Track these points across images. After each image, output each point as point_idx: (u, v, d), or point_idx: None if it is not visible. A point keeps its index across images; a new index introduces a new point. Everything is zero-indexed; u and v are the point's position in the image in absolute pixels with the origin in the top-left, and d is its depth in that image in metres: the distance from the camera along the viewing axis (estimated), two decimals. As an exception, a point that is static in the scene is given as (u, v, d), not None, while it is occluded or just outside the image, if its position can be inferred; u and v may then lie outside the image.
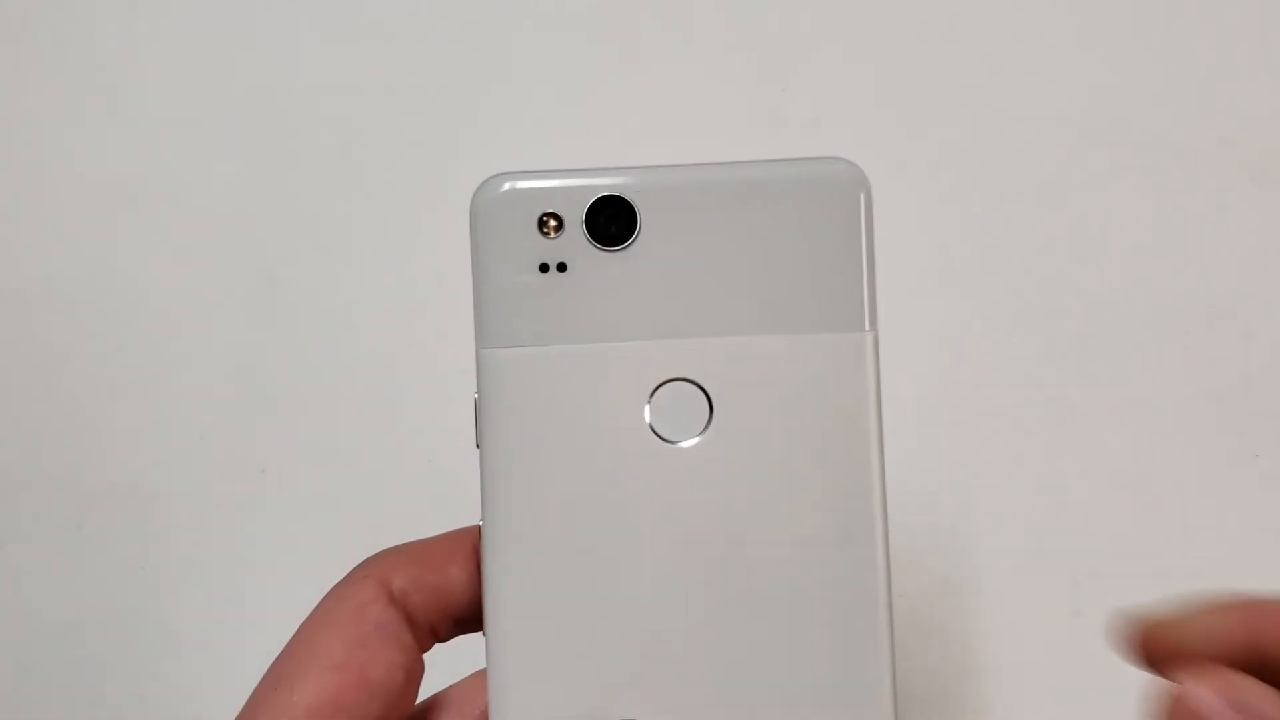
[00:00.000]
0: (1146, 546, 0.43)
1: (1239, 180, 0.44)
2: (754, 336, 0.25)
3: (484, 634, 0.25)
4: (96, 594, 0.46)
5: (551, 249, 0.25)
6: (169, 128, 0.47)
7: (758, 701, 0.25)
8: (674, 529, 0.25)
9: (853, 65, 0.46)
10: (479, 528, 0.25)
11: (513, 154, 0.46)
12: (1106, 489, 0.43)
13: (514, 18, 0.47)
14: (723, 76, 0.46)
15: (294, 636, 0.25)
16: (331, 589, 0.26)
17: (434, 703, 0.27)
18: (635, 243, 0.25)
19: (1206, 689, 0.22)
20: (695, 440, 0.25)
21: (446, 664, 0.27)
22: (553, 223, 0.25)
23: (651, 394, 0.25)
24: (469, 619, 0.26)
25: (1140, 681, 0.24)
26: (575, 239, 0.25)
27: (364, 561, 0.26)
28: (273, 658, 0.26)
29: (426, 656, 0.26)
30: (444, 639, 0.27)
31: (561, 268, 0.25)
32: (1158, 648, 0.24)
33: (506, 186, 0.25)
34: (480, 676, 0.26)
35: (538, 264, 0.25)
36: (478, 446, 0.25)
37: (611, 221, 0.25)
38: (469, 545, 0.26)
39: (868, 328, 0.25)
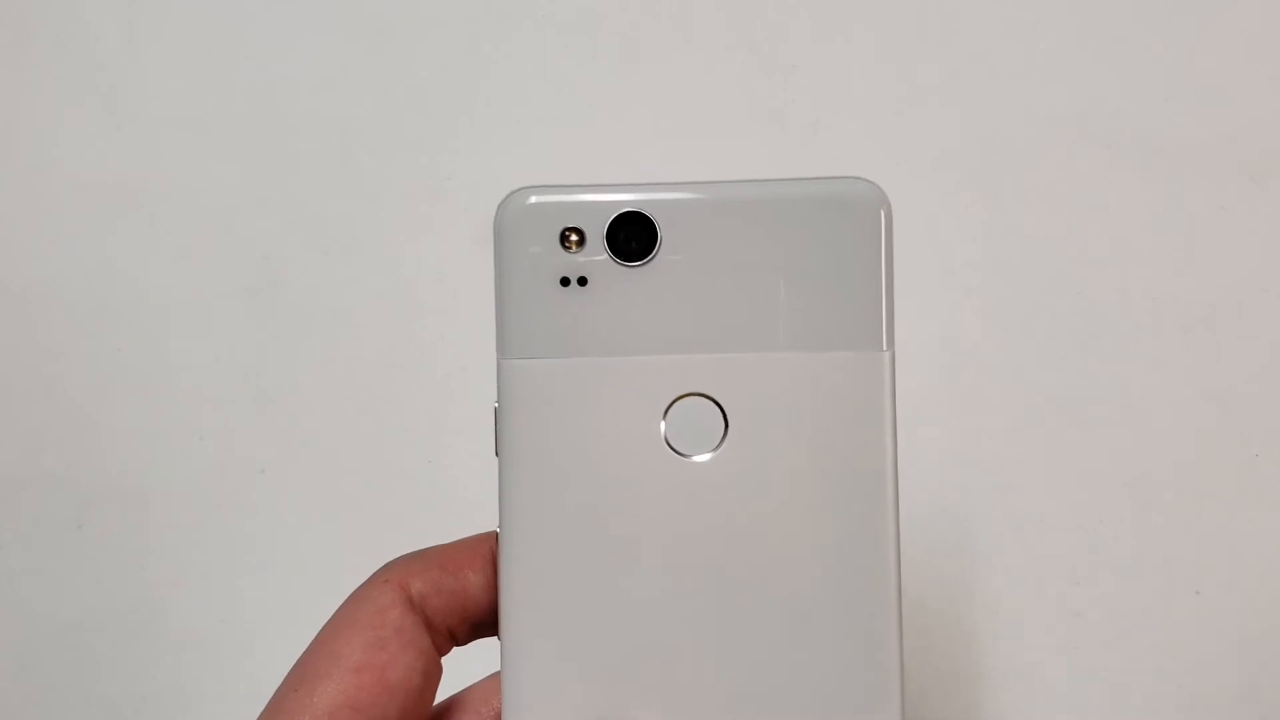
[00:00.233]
0: (1146, 546, 0.43)
1: (1239, 180, 0.44)
2: (771, 353, 0.25)
3: (499, 638, 0.26)
4: (96, 594, 0.46)
5: (573, 263, 0.25)
6: (169, 128, 0.47)
7: (767, 712, 0.25)
8: (686, 541, 0.25)
9: (853, 65, 0.46)
10: (496, 534, 0.26)
11: (513, 154, 0.46)
12: (1106, 489, 0.43)
13: (514, 18, 0.47)
14: (723, 76, 0.46)
15: (315, 639, 0.26)
16: (352, 593, 0.26)
17: (451, 704, 0.27)
18: (655, 258, 0.25)
19: None
20: (710, 455, 0.25)
21: (463, 666, 0.28)
22: (575, 237, 0.25)
23: (668, 408, 0.25)
24: (486, 623, 0.27)
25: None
26: (596, 253, 0.25)
27: (384, 566, 0.27)
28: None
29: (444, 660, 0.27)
30: (461, 643, 0.27)
31: (582, 282, 0.25)
32: None
33: (530, 200, 0.25)
34: (496, 679, 0.26)
35: (559, 277, 0.25)
36: (496, 455, 0.26)
37: (632, 237, 0.25)
38: (486, 551, 0.27)
39: (885, 348, 0.25)
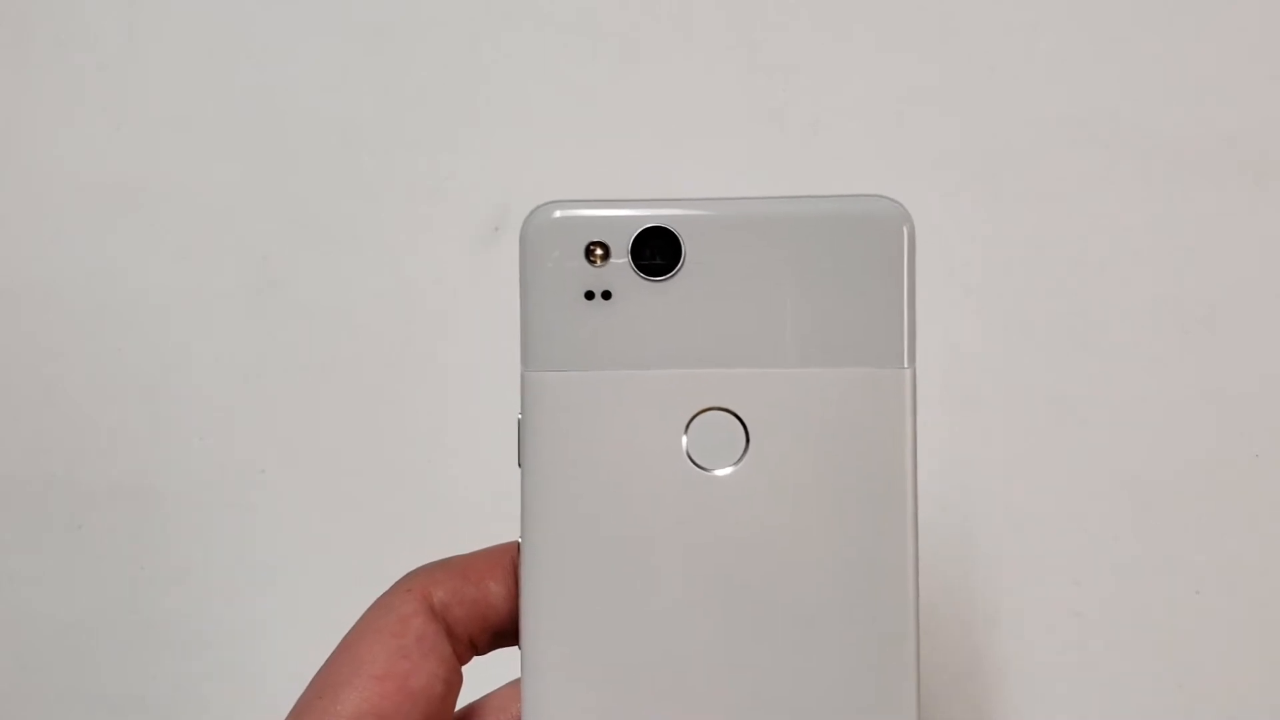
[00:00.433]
0: (1146, 546, 0.43)
1: (1239, 180, 0.44)
2: (793, 369, 0.26)
3: (519, 647, 0.26)
4: (96, 594, 0.46)
5: (598, 277, 0.25)
6: (169, 128, 0.47)
7: None
8: (706, 554, 0.25)
9: (853, 66, 0.46)
10: (517, 544, 0.26)
11: (513, 154, 0.46)
12: (1106, 489, 0.43)
13: (514, 18, 0.47)
14: (723, 76, 0.46)
15: (338, 646, 0.26)
16: (375, 601, 0.27)
17: (470, 711, 0.28)
18: (679, 273, 0.26)
19: None
20: (731, 469, 0.26)
21: (483, 673, 0.28)
22: (600, 251, 0.25)
23: (690, 422, 0.26)
24: (507, 632, 0.27)
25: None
26: (621, 268, 0.25)
27: (407, 575, 0.27)
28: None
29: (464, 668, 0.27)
30: (482, 651, 0.27)
31: (606, 295, 0.25)
32: None
33: (557, 214, 0.26)
34: (514, 685, 0.27)
35: (584, 291, 0.25)
36: (519, 466, 0.26)
37: (657, 252, 0.25)
38: (508, 561, 0.27)
39: (906, 364, 0.26)
